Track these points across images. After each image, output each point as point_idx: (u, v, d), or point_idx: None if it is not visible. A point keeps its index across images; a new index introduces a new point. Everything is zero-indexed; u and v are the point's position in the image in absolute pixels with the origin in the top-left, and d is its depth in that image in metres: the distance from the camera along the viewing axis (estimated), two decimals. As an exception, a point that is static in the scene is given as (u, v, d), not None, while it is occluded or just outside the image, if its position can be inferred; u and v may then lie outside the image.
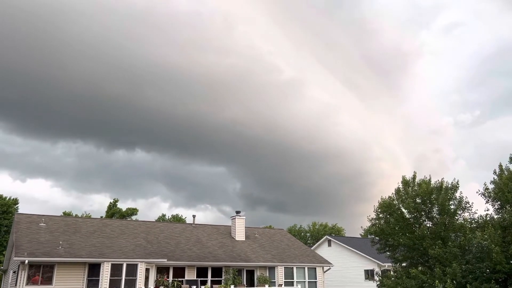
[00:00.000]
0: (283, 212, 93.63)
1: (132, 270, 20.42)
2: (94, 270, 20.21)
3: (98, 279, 19.83)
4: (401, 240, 20.83)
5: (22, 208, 50.39)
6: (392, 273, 22.61)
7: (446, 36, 74.32)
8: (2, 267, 29.05)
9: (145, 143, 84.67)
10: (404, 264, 22.27)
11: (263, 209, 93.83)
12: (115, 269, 20.13)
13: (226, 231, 30.13)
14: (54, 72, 60.93)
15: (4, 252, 34.81)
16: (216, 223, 33.14)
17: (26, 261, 18.62)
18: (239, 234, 29.27)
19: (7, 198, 48.48)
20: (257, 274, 25.94)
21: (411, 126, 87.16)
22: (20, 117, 72.05)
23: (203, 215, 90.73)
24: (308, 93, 77.09)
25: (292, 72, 74.01)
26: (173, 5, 61.23)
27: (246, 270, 25.95)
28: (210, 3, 64.32)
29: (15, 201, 49.13)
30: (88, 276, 20.17)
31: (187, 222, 42.74)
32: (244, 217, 30.19)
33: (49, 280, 19.57)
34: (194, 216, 31.44)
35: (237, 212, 29.89)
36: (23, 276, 18.99)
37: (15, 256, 19.49)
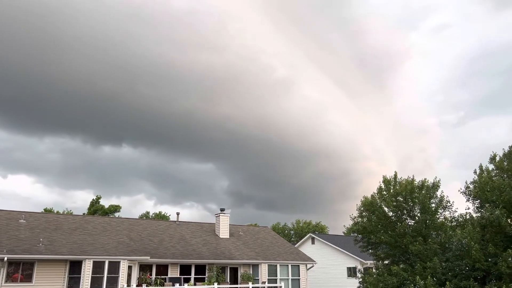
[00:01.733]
0: (271, 210, 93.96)
1: (114, 267, 20.21)
2: (75, 267, 19.93)
3: (80, 277, 19.56)
4: (383, 238, 21.10)
5: (3, 205, 49.37)
6: (374, 270, 22.90)
7: (435, 37, 75.61)
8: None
9: (133, 139, 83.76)
10: (386, 262, 22.58)
11: (251, 206, 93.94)
12: (97, 267, 19.89)
13: (210, 229, 30.07)
14: (44, 67, 59.81)
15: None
16: (202, 220, 33.07)
17: (5, 258, 18.26)
18: (223, 232, 29.24)
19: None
20: (240, 271, 25.96)
21: (399, 125, 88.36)
22: (7, 112, 70.49)
23: (188, 212, 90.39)
24: (300, 91, 77.48)
25: (284, 71, 74.23)
26: (169, 3, 60.75)
27: (230, 268, 25.96)
28: (205, 1, 64.05)
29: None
30: (69, 273, 19.88)
31: (172, 219, 42.47)
32: (229, 215, 30.18)
33: (29, 278, 19.23)
34: (178, 214, 31.30)
35: (222, 210, 29.85)
36: (2, 273, 18.62)
37: (-7, 253, 19.08)
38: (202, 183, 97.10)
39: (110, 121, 74.84)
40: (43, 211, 47.48)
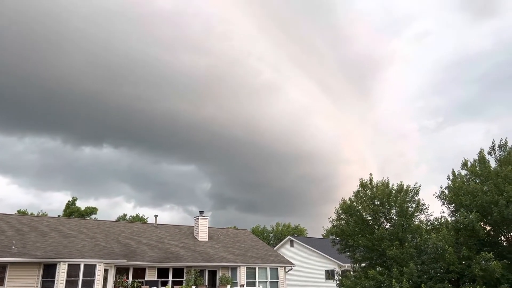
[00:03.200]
0: (253, 213, 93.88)
1: (90, 270, 19.81)
2: (49, 270, 19.46)
3: (54, 280, 19.10)
4: (361, 242, 21.34)
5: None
6: (351, 273, 23.12)
7: (416, 44, 77.41)
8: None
9: (114, 139, 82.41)
10: (363, 265, 22.82)
11: (233, 209, 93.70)
12: (72, 270, 19.47)
13: (189, 232, 29.83)
14: (25, 65, 58.30)
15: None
16: (182, 223, 32.77)
17: (-24, 262, 17.71)
18: (202, 235, 29.05)
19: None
20: (219, 274, 25.82)
21: (380, 130, 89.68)
22: None
23: (169, 215, 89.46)
24: (284, 94, 77.84)
25: (269, 74, 74.47)
26: (155, 3, 60.17)
27: (208, 271, 25.79)
28: (192, 2, 63.79)
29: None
30: (43, 277, 19.41)
31: (150, 222, 41.98)
32: (208, 218, 30.00)
33: (0, 281, 18.67)
34: (156, 216, 30.95)
35: (201, 212, 29.66)
36: (-29, 277, 18.04)
37: (-37, 257, 18.47)
38: (184, 185, 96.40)
39: (91, 121, 73.52)
40: (17, 212, 46.22)
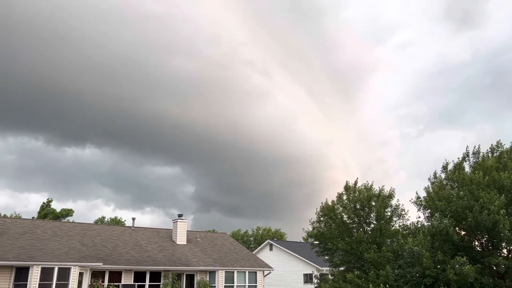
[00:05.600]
0: (237, 216, 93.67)
1: (64, 274, 19.33)
2: (22, 274, 18.90)
3: (26, 284, 18.55)
4: (340, 245, 21.50)
5: None
6: (329, 276, 23.26)
7: (399, 53, 79.17)
8: None
9: (98, 139, 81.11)
10: (341, 268, 23.00)
11: (217, 212, 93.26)
12: (46, 273, 18.95)
13: (167, 235, 29.50)
14: (8, 62, 56.83)
15: None
16: (163, 227, 32.33)
17: None
18: (181, 238, 28.76)
19: None
20: (197, 278, 25.59)
21: (362, 136, 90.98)
22: None
23: (149, 218, 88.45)
24: (271, 99, 78.26)
25: (257, 79, 74.72)
26: (144, 5, 59.72)
27: (186, 275, 25.53)
28: (183, 7, 63.59)
29: None
30: (15, 280, 18.82)
31: (128, 225, 41.35)
32: (187, 221, 29.73)
33: (-31, 285, 18.06)
34: (133, 219, 30.51)
35: (179, 215, 29.37)
36: None
37: None
38: (167, 188, 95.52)
39: (75, 121, 72.26)
40: (-11, 214, 44.88)
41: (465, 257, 17.46)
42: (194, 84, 70.26)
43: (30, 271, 18.67)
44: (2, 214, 49.03)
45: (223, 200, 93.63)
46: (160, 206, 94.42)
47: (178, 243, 28.41)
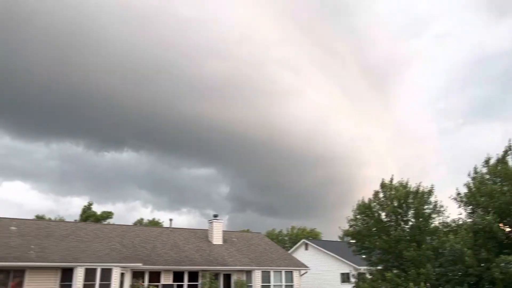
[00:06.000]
0: (272, 216, 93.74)
1: (106, 274, 19.99)
2: (67, 275, 19.69)
3: (71, 284, 19.32)
4: (377, 243, 21.11)
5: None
6: (368, 276, 22.89)
7: (436, 45, 76.86)
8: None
9: (136, 143, 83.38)
10: (379, 267, 22.57)
11: (252, 212, 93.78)
12: (89, 274, 19.66)
13: (204, 235, 29.91)
14: (48, 72, 59.36)
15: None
16: (199, 227, 32.84)
17: (-5, 266, 18.02)
18: (217, 238, 29.10)
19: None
20: (234, 278, 25.82)
21: (399, 132, 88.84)
22: (12, 118, 70.04)
23: (186, 219, 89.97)
24: (305, 97, 77.91)
25: (290, 77, 74.61)
26: (177, 10, 60.92)
27: (223, 274, 25.81)
28: (212, 9, 64.57)
29: (-15, 204, 47.58)
30: (61, 281, 19.63)
31: (166, 226, 42.25)
32: (222, 221, 30.08)
33: (19, 286, 18.96)
34: (171, 220, 31.13)
35: (215, 216, 29.73)
36: (-9, 281, 18.35)
37: (-17, 261, 18.81)
38: (202, 189, 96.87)
39: (114, 125, 74.51)
40: (35, 217, 46.97)
41: (511, 255, 16.76)
42: (227, 85, 70.90)
43: (74, 272, 19.43)
44: (47, 218, 51.20)
45: (257, 200, 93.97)
46: (196, 206, 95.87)
47: (214, 243, 28.75)
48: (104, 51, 59.72)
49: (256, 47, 70.35)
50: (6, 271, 18.83)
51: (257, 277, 26.00)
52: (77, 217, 52.89)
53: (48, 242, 22.05)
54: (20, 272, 19.11)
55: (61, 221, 39.61)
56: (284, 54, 73.70)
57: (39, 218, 48.12)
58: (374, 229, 22.11)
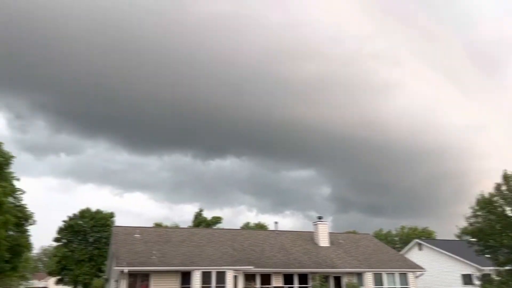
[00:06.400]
0: (378, 216, 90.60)
1: (221, 277, 21.00)
2: (186, 278, 21.09)
3: (190, 287, 20.65)
4: (505, 241, 19.03)
5: (120, 221, 54.59)
6: (495, 277, 20.73)
7: None
8: (105, 276, 31.56)
9: (237, 149, 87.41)
10: (508, 267, 20.30)
11: (356, 213, 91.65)
12: (205, 277, 20.84)
13: (309, 237, 29.83)
14: (158, 89, 64.89)
15: (105, 262, 37.81)
16: (303, 229, 32.99)
17: (126, 270, 20.01)
18: (323, 240, 28.80)
19: (104, 212, 52.86)
20: (344, 280, 25.29)
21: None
22: (128, 136, 78.34)
23: (290, 221, 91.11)
24: (406, 89, 74.16)
25: (387, 70, 71.85)
26: (266, 17, 62.52)
27: (333, 277, 25.43)
28: (301, 13, 65.23)
29: (111, 215, 53.32)
30: (182, 284, 21.08)
31: (270, 229, 43.06)
32: (327, 223, 29.74)
33: (146, 288, 20.80)
34: (276, 223, 31.62)
35: (319, 218, 29.49)
36: (123, 284, 20.41)
37: (115, 266, 21.05)
38: (303, 191, 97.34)
39: (217, 134, 78.92)
40: (154, 225, 51.27)
41: None
42: (322, 85, 70.29)
43: (192, 275, 20.75)
44: (164, 225, 55.56)
45: (361, 200, 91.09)
46: (299, 209, 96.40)
47: (321, 245, 28.50)
48: (209, 66, 63.04)
49: (349, 43, 68.60)
50: (134, 275, 20.82)
51: (368, 279, 25.14)
52: (190, 223, 56.48)
53: (167, 248, 23.87)
54: (146, 276, 20.99)
55: (177, 227, 42.64)
56: (379, 47, 70.68)
57: (158, 225, 52.42)
58: (498, 225, 19.97)
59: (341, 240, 30.38)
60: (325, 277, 25.03)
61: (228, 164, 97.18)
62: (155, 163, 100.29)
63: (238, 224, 77.74)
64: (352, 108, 74.14)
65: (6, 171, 28.62)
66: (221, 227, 50.91)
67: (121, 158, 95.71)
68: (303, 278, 24.63)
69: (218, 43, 61.24)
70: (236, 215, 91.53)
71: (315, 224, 29.59)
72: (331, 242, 29.17)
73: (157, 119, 73.60)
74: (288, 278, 24.34)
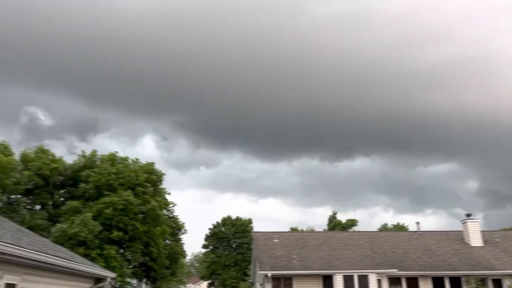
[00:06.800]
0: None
1: (363, 281, 20.50)
2: (327, 282, 21.11)
3: (332, 291, 20.60)
4: None
5: (258, 227, 57.34)
6: None
7: None
8: (250, 280, 33.40)
9: (365, 148, 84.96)
10: None
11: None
12: (347, 281, 20.57)
13: (458, 237, 27.25)
14: (279, 96, 66.65)
15: (249, 267, 40.02)
16: (449, 228, 30.39)
17: (269, 275, 20.88)
18: (475, 239, 26.02)
19: (243, 219, 56.19)
20: (506, 284, 22.44)
21: None
22: (259, 145, 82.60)
23: (433, 220, 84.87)
24: None
25: None
26: (387, 4, 59.64)
27: (492, 280, 22.77)
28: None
29: (250, 221, 56.41)
30: (324, 287, 21.16)
31: (411, 230, 40.59)
32: (478, 220, 26.85)
33: (290, 292, 21.40)
34: (417, 223, 29.63)
35: (468, 215, 26.76)
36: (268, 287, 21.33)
37: (259, 270, 22.12)
38: (444, 187, 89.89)
39: (343, 135, 77.77)
40: (290, 229, 52.58)
41: None
42: (455, 69, 63.88)
43: (333, 279, 20.68)
44: (300, 229, 56.57)
45: (517, 193, 79.83)
46: (441, 206, 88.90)
47: (472, 245, 25.80)
48: (331, 65, 62.13)
49: (481, 22, 61.32)
50: (277, 279, 21.58)
51: (537, 282, 21.89)
52: (325, 227, 56.50)
53: (306, 252, 24.24)
54: (288, 280, 21.60)
55: (312, 231, 43.01)
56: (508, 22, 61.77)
57: (293, 230, 53.62)
58: None
59: (497, 238, 27.08)
60: (482, 280, 22.55)
61: (358, 164, 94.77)
62: (285, 169, 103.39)
63: (374, 226, 75.02)
64: (494, 90, 65.67)
65: (159, 187, 32.44)
66: (357, 230, 49.78)
67: (254, 166, 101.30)
68: (456, 282, 22.56)
69: (339, 40, 60.03)
70: (371, 217, 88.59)
71: (464, 222, 26.93)
72: (485, 241, 26.19)
73: (283, 126, 75.63)
74: (438, 282, 22.56)
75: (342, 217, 57.31)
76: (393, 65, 62.33)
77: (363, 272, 20.71)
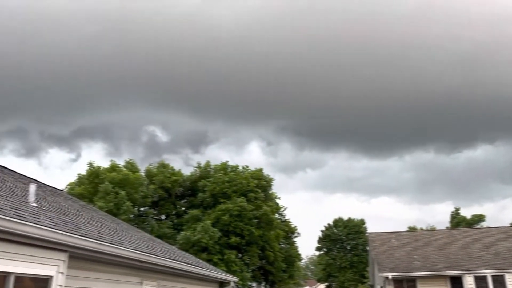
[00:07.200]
0: None
1: (499, 282, 18.55)
2: (455, 283, 19.55)
3: (463, 293, 19.00)
4: None
5: (371, 227, 55.35)
6: None
7: None
8: (369, 282, 32.38)
9: (488, 135, 76.26)
10: None
11: None
12: (479, 282, 18.80)
13: None
14: (383, 88, 63.62)
15: (367, 269, 38.82)
16: None
17: (390, 277, 20.03)
18: None
19: (355, 220, 54.75)
20: None
21: None
22: (366, 142, 79.71)
23: None
24: None
25: None
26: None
27: None
28: None
29: (362, 222, 54.74)
30: (451, 289, 19.67)
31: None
32: None
33: (414, 294, 20.27)
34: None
35: None
36: (390, 290, 20.47)
37: (378, 273, 21.35)
38: None
39: (461, 122, 71.05)
40: (408, 229, 49.79)
41: None
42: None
43: (463, 280, 19.07)
44: (418, 228, 53.28)
45: None
46: None
47: None
48: (432, 51, 57.67)
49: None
50: (399, 280, 20.60)
51: None
52: (447, 224, 52.39)
53: (428, 252, 22.75)
54: (411, 282, 20.48)
55: (433, 229, 40.26)
56: None
57: (412, 229, 50.67)
58: None
59: None
60: None
61: (480, 153, 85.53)
62: (396, 165, 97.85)
63: (505, 220, 67.35)
64: None
65: (269, 192, 33.35)
66: (486, 226, 45.27)
67: (361, 165, 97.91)
68: None
69: (439, 23, 55.43)
70: (501, 210, 79.51)
71: None
72: None
73: (388, 119, 71.59)
74: None
75: (466, 213, 52.61)
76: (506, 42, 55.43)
77: (498, 272, 18.73)
